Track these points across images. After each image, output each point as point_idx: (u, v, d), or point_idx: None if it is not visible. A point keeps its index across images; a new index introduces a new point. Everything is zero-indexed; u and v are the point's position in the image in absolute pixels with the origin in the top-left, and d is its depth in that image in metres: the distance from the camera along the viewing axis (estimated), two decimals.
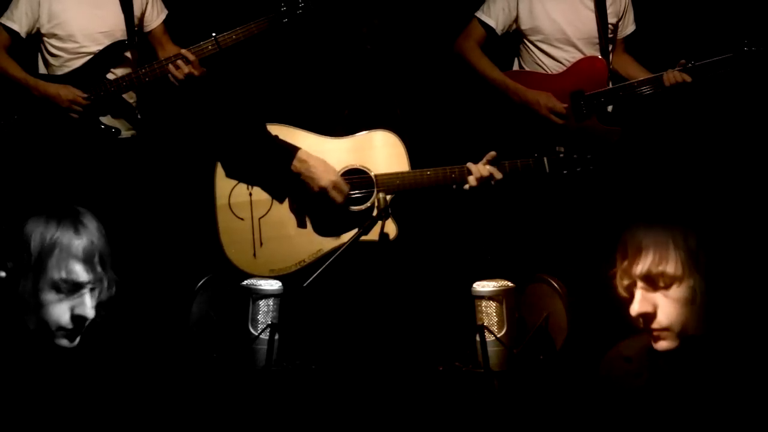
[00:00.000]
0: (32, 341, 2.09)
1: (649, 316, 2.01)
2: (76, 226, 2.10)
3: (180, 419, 2.41)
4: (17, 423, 2.02)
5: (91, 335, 2.16)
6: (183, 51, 3.68)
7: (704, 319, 1.99)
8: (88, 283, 2.10)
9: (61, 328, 2.08)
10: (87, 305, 2.10)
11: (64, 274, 2.07)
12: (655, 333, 2.01)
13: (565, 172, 3.13)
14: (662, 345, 2.01)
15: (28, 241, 2.06)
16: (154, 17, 3.87)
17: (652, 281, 2.00)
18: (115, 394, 2.17)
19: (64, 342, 2.09)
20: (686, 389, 2.01)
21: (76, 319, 2.09)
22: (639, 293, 2.02)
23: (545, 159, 3.13)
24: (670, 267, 1.98)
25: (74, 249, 2.08)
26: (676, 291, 1.99)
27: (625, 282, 2.04)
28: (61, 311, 2.08)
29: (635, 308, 2.01)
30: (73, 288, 2.09)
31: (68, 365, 2.12)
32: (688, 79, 3.54)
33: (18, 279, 2.06)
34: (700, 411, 1.97)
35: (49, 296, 2.07)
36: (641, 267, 2.00)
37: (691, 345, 2.01)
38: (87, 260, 2.09)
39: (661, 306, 2.00)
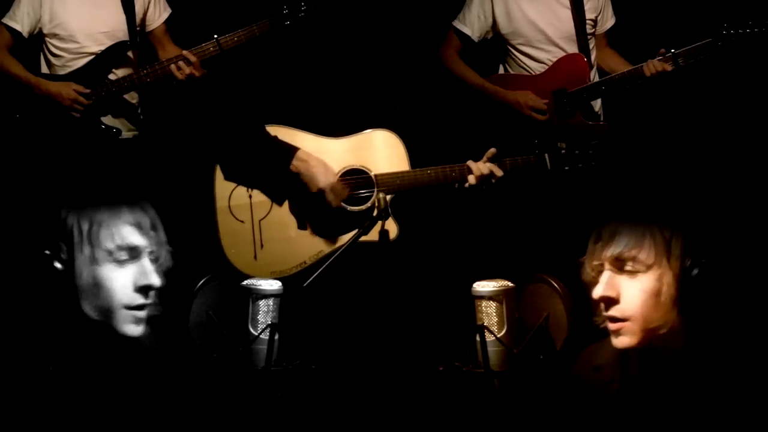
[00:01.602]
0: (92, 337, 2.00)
1: (612, 301, 1.96)
2: (122, 200, 2.03)
3: (180, 419, 2.40)
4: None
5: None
6: (184, 52, 3.68)
7: (667, 316, 1.95)
8: (145, 247, 2.02)
9: (126, 306, 2.00)
10: (149, 271, 2.01)
11: (118, 241, 1.99)
12: (615, 327, 1.97)
13: (566, 168, 3.12)
14: (622, 341, 1.96)
15: (75, 224, 1.99)
16: (156, 17, 3.86)
17: (621, 265, 1.96)
18: (114, 394, 2.16)
19: (131, 328, 2.01)
20: (660, 395, 1.97)
21: (142, 290, 2.01)
22: (606, 275, 1.98)
23: (546, 155, 3.13)
24: (643, 254, 1.94)
25: (124, 217, 2.01)
26: (643, 280, 1.95)
27: (594, 262, 2.00)
28: (123, 285, 2.00)
29: (599, 291, 1.97)
30: (130, 254, 2.00)
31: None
32: (669, 68, 3.53)
33: (72, 265, 1.98)
34: (678, 415, 1.94)
35: (108, 271, 1.99)
36: (613, 249, 1.96)
37: (663, 351, 1.97)
38: (139, 225, 2.02)
39: (625, 293, 1.96)
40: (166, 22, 3.91)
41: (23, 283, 2.02)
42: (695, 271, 1.93)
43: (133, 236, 2.01)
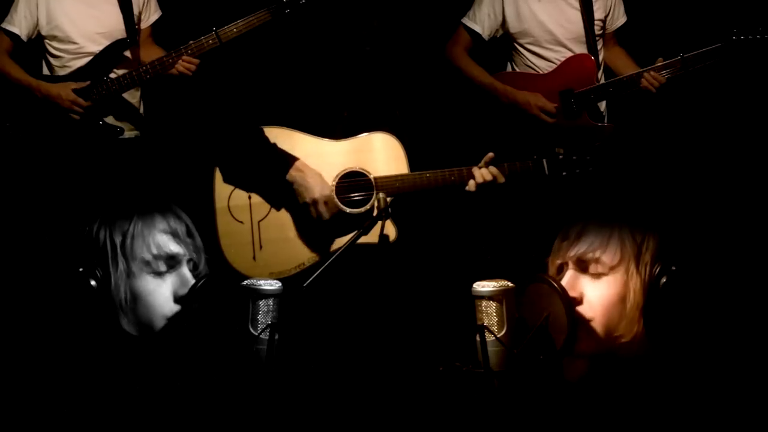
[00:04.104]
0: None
1: (574, 302, 1.90)
2: (154, 209, 1.99)
3: (179, 419, 2.40)
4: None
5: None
6: (183, 48, 3.68)
7: (632, 325, 1.86)
8: (184, 255, 1.98)
9: (169, 318, 1.98)
10: (190, 280, 1.98)
11: (155, 250, 1.94)
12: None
13: (564, 173, 3.14)
14: (579, 347, 1.88)
15: (107, 238, 1.94)
16: (147, 17, 3.89)
17: (585, 266, 1.89)
18: (113, 394, 2.14)
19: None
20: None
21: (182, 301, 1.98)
22: (568, 275, 1.91)
23: (544, 161, 3.14)
24: (606, 255, 1.87)
25: (158, 225, 1.95)
26: (607, 282, 1.88)
27: (558, 262, 1.94)
28: (163, 298, 1.96)
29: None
30: (169, 263, 1.96)
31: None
32: (663, 79, 3.55)
33: (108, 282, 1.93)
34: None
35: (146, 283, 1.95)
36: (577, 249, 1.89)
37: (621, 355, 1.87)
38: (175, 233, 1.97)
39: (588, 296, 1.90)
40: (153, 24, 3.93)
41: (59, 302, 1.97)
42: (663, 280, 1.84)
43: (170, 244, 1.97)
